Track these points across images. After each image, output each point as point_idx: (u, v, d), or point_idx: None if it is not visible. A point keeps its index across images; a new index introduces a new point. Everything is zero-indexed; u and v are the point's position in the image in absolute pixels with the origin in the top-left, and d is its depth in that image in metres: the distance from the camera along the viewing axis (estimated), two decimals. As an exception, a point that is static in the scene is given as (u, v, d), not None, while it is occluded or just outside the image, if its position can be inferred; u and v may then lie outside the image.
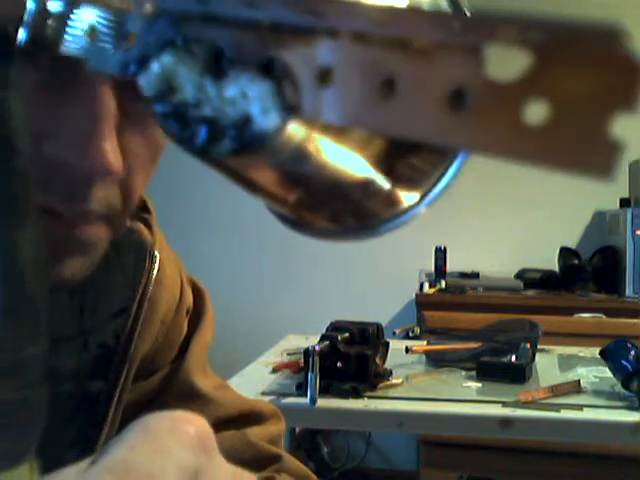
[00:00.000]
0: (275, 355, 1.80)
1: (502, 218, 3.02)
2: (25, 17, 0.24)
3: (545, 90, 0.15)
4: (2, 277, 0.20)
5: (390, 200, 0.25)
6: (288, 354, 1.77)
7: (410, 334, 2.04)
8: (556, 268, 2.89)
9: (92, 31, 0.23)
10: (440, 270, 2.78)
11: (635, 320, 2.48)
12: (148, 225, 0.57)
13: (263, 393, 1.43)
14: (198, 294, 0.64)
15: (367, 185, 0.24)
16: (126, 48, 0.22)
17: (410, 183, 0.25)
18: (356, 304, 2.96)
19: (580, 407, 1.38)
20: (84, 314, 0.52)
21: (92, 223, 0.40)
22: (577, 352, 1.93)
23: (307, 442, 2.90)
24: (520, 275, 2.88)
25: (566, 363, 1.79)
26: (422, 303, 2.66)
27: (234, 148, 0.21)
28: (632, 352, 1.43)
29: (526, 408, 1.37)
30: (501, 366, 1.56)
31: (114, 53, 0.23)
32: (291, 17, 0.19)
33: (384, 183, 0.24)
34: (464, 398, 1.43)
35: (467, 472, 2.40)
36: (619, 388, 1.44)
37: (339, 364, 1.40)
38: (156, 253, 0.56)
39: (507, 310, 2.39)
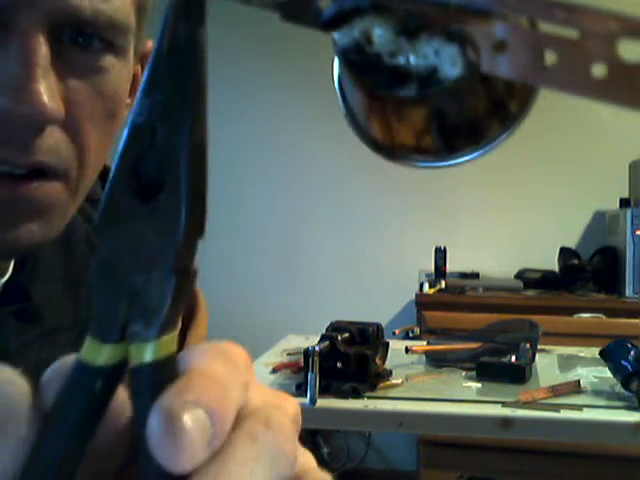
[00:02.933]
0: (275, 355, 1.80)
1: (502, 218, 3.02)
2: None
3: None
4: (191, 178, 0.24)
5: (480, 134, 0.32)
6: (288, 354, 1.77)
7: (410, 334, 2.04)
8: (556, 268, 2.89)
9: None
10: (440, 270, 2.78)
11: (635, 320, 2.48)
12: None
13: (263, 393, 1.43)
14: None
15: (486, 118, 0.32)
16: (319, 8, 0.27)
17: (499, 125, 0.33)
18: (356, 304, 2.96)
19: (580, 407, 1.38)
20: (79, 306, 0.52)
21: (44, 180, 0.40)
22: (577, 352, 1.93)
23: (307, 442, 2.90)
24: (520, 275, 2.88)
25: (566, 363, 1.79)
26: (422, 303, 2.66)
27: (419, 90, 0.28)
28: (632, 352, 1.43)
29: (526, 408, 1.37)
30: (501, 366, 1.56)
31: (307, 10, 0.27)
32: (476, 4, 0.26)
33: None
34: (464, 398, 1.43)
35: (467, 472, 2.40)
36: (619, 388, 1.44)
37: (339, 364, 1.40)
38: None
39: (507, 310, 2.39)
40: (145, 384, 0.23)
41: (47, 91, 0.37)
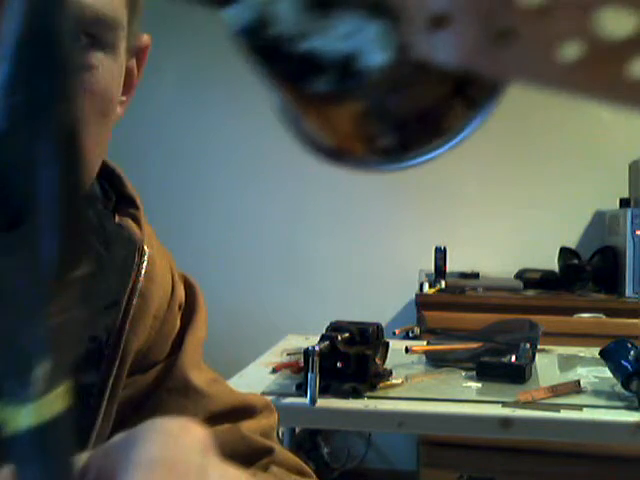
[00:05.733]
0: (275, 355, 1.80)
1: (502, 218, 3.02)
2: None
3: None
4: (59, 200, 0.19)
5: (436, 130, 0.26)
6: (288, 354, 1.77)
7: (410, 334, 2.04)
8: (556, 268, 2.89)
9: None
10: (440, 270, 2.78)
11: (635, 320, 2.48)
12: (137, 221, 0.57)
13: (263, 393, 1.43)
14: (190, 290, 0.64)
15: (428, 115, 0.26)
16: None
17: (454, 119, 0.27)
18: (356, 304, 2.96)
19: (580, 407, 1.38)
20: None
21: None
22: (577, 352, 1.93)
23: (307, 442, 2.90)
24: (520, 275, 2.88)
25: (566, 363, 1.79)
26: (422, 303, 2.66)
27: (337, 82, 0.22)
28: (632, 352, 1.43)
29: (526, 408, 1.37)
30: (501, 366, 1.56)
31: None
32: None
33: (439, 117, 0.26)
34: (464, 398, 1.43)
35: (467, 472, 2.40)
36: (619, 388, 1.44)
37: (339, 364, 1.40)
38: (145, 248, 0.56)
39: (507, 310, 2.39)
40: (26, 455, 0.19)
41: None
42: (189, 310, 0.63)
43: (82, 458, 0.26)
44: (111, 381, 0.54)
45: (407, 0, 0.20)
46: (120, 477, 0.23)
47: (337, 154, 0.27)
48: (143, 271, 0.55)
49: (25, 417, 0.19)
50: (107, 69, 0.43)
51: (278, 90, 0.24)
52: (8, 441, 0.19)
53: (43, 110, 0.19)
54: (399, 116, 0.26)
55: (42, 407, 0.19)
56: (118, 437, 0.26)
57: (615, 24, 0.18)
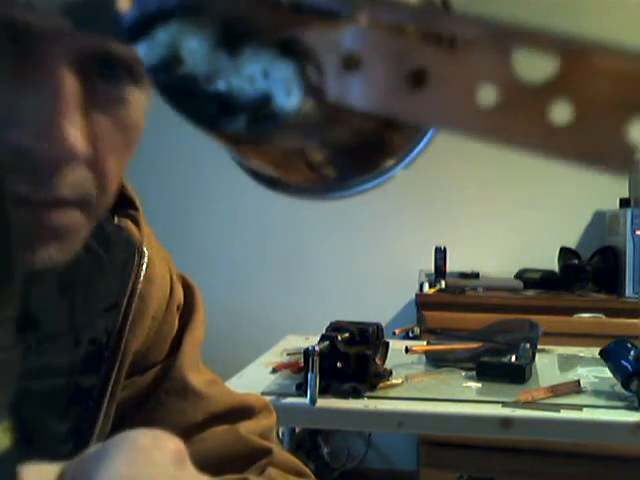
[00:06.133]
0: (275, 355, 1.80)
1: (502, 218, 3.02)
2: None
3: (570, 93, 0.17)
4: None
5: (372, 162, 0.26)
6: (288, 354, 1.77)
7: (410, 334, 2.04)
8: (556, 268, 2.89)
9: None
10: (440, 270, 2.78)
11: (635, 320, 2.48)
12: (136, 222, 0.57)
13: (263, 393, 1.43)
14: (188, 290, 0.64)
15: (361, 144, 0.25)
16: (119, 12, 0.21)
17: (389, 151, 0.26)
18: (356, 304, 2.96)
19: (580, 407, 1.38)
20: (75, 310, 0.52)
21: (64, 209, 0.40)
22: (577, 352, 1.93)
23: (307, 442, 2.90)
24: (520, 275, 2.88)
25: (566, 363, 1.79)
26: (422, 303, 2.66)
27: (250, 125, 0.21)
28: (632, 352, 1.43)
29: (526, 408, 1.37)
30: (501, 366, 1.56)
31: (102, 15, 0.22)
32: (316, 2, 0.19)
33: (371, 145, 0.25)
34: (464, 398, 1.43)
35: (467, 472, 2.40)
36: (619, 388, 1.44)
37: (339, 364, 1.40)
38: (145, 250, 0.56)
39: (507, 310, 2.38)
40: None
41: (74, 129, 0.36)
42: (187, 311, 0.63)
43: (57, 468, 0.26)
44: (111, 383, 0.54)
45: (317, 39, 0.19)
46: None
47: (276, 184, 0.27)
48: (143, 273, 0.56)
49: None
50: (138, 102, 0.43)
51: (197, 128, 0.23)
52: None
53: None
54: (332, 149, 0.25)
55: None
56: (92, 450, 0.26)
57: (533, 68, 0.17)
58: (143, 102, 0.44)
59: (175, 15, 0.21)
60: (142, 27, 0.21)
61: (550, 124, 0.17)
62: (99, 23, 0.22)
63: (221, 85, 0.21)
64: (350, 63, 0.19)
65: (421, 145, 0.26)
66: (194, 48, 0.21)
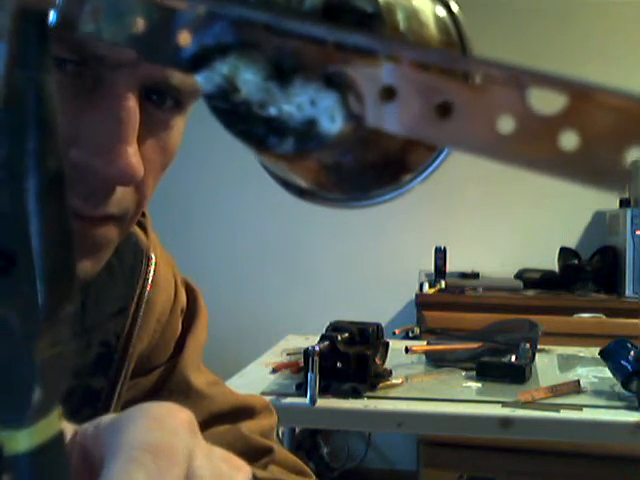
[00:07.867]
0: (275, 355, 1.80)
1: (502, 218, 3.02)
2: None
3: (577, 124, 0.20)
4: (46, 245, 0.21)
5: (393, 176, 0.30)
6: (288, 354, 1.77)
7: (410, 334, 2.04)
8: (556, 268, 2.89)
9: (138, 22, 0.24)
10: (440, 270, 2.78)
11: (635, 320, 2.48)
12: (143, 228, 0.59)
13: (263, 393, 1.43)
14: (191, 294, 0.65)
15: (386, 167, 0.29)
16: (179, 45, 0.24)
17: (408, 167, 0.30)
18: (356, 304, 2.96)
19: (580, 407, 1.38)
20: (86, 313, 0.53)
21: (108, 225, 0.42)
22: (577, 352, 1.93)
23: (307, 442, 2.90)
24: (520, 275, 2.88)
25: (566, 363, 1.79)
26: (422, 303, 2.66)
27: (297, 146, 0.25)
28: (632, 352, 1.43)
29: (526, 408, 1.37)
30: (501, 366, 1.56)
31: (165, 47, 0.24)
32: (356, 40, 0.22)
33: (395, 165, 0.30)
34: (464, 398, 1.43)
35: (467, 472, 2.40)
36: (619, 388, 1.44)
37: (339, 364, 1.40)
38: (152, 256, 0.57)
39: (507, 310, 2.39)
40: (25, 474, 0.22)
41: (135, 154, 0.38)
42: (190, 314, 0.64)
43: (72, 428, 0.27)
44: (120, 385, 0.54)
45: (358, 74, 0.22)
46: (107, 462, 0.24)
47: (306, 194, 0.31)
48: (150, 278, 0.56)
49: (22, 441, 0.21)
50: (179, 128, 0.45)
51: (245, 146, 0.27)
52: (6, 463, 0.22)
53: (30, 162, 0.21)
54: (360, 166, 0.28)
55: (37, 431, 0.22)
56: (107, 419, 0.27)
57: (545, 102, 0.20)
58: (181, 127, 0.46)
59: (232, 49, 0.24)
60: (201, 59, 0.24)
61: (560, 150, 0.20)
62: (161, 54, 0.24)
63: (272, 111, 0.24)
64: (387, 95, 0.22)
65: (437, 162, 0.29)
66: (249, 79, 0.24)
